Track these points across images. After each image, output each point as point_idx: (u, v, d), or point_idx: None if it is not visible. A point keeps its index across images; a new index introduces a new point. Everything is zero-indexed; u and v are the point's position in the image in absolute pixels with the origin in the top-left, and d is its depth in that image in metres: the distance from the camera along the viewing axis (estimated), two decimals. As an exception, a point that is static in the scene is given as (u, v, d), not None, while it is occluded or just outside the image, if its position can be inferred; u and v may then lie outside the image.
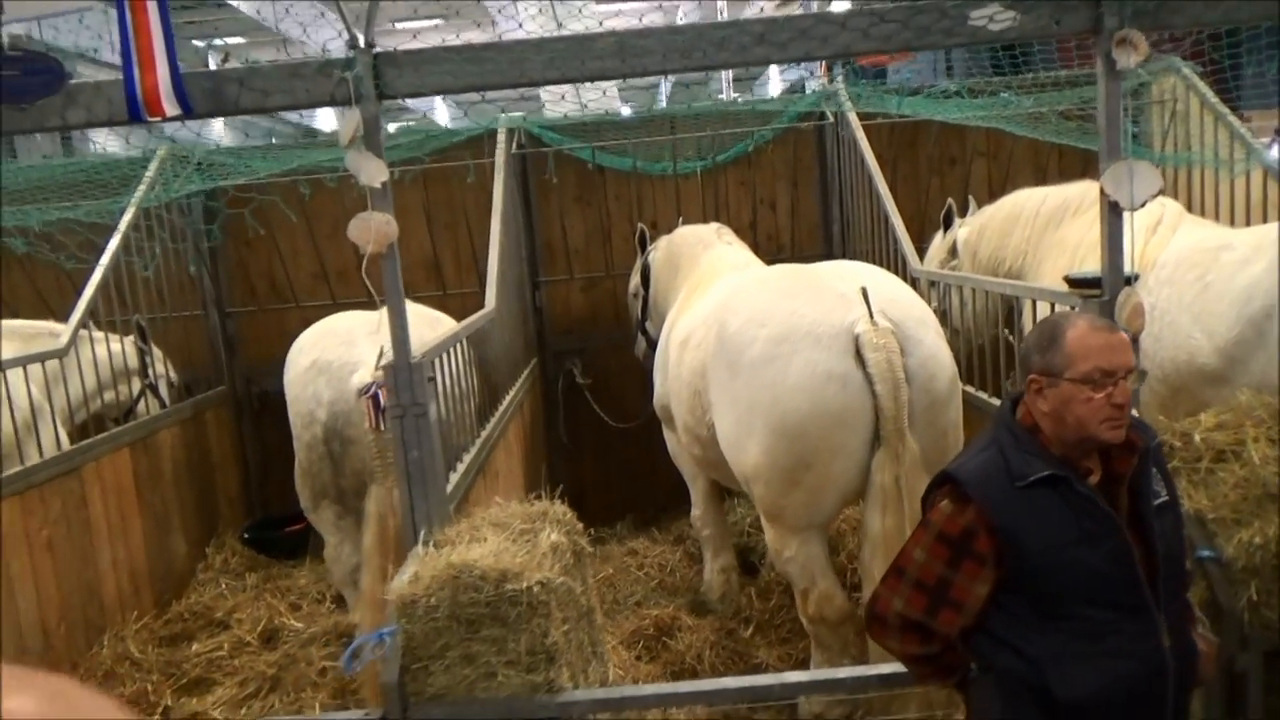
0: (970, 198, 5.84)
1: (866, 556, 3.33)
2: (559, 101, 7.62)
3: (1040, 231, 5.06)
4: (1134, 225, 4.58)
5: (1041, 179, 5.86)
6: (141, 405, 5.54)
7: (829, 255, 6.50)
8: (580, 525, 2.85)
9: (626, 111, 7.66)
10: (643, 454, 6.56)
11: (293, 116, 22.45)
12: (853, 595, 3.83)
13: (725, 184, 6.57)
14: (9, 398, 4.21)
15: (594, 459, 6.69)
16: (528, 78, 2.54)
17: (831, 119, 6.27)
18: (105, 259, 5.22)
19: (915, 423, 3.27)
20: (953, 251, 5.30)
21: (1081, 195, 4.97)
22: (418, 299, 5.79)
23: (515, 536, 2.58)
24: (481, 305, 4.70)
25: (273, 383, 6.48)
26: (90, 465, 4.67)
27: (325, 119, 22.74)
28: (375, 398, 3.55)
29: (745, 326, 3.53)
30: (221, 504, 6.22)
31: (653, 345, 5.83)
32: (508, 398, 4.80)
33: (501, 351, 4.84)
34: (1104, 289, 2.74)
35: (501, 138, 5.96)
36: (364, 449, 3.75)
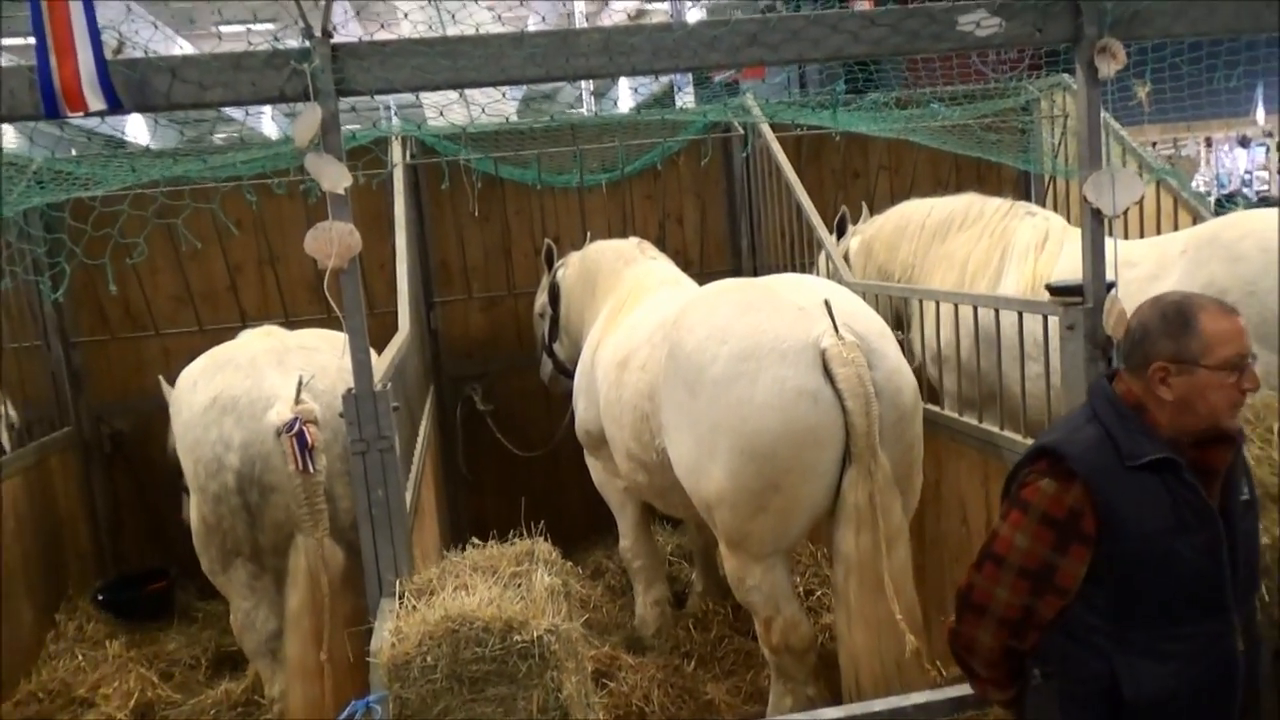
0: (864, 205, 6.07)
1: (840, 578, 3.34)
2: (447, 109, 7.40)
3: (926, 245, 5.30)
4: (1020, 243, 5.02)
5: (941, 192, 6.15)
6: (-24, 452, 4.97)
7: (738, 271, 6.60)
8: (568, 564, 2.72)
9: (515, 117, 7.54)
10: (550, 483, 6.43)
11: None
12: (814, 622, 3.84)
13: (631, 198, 6.58)
14: None
15: (496, 491, 6.49)
16: (506, 75, 2.42)
17: (740, 130, 6.37)
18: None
19: (884, 438, 3.31)
20: (845, 258, 5.48)
21: (965, 208, 5.24)
22: (297, 323, 5.55)
23: (506, 581, 2.44)
24: (379, 329, 4.50)
25: (126, 421, 6.05)
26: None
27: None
28: (300, 436, 3.33)
29: (704, 344, 3.49)
30: (71, 562, 5.66)
31: (562, 368, 5.79)
32: (422, 428, 4.59)
33: (414, 379, 4.63)
34: (1086, 296, 2.85)
35: (396, 146, 5.73)
36: (288, 496, 3.49)
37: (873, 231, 5.67)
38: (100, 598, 5.60)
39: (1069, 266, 4.53)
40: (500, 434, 6.30)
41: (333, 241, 2.56)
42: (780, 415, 3.27)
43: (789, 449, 3.28)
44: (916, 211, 5.43)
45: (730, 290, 3.76)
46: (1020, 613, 2.11)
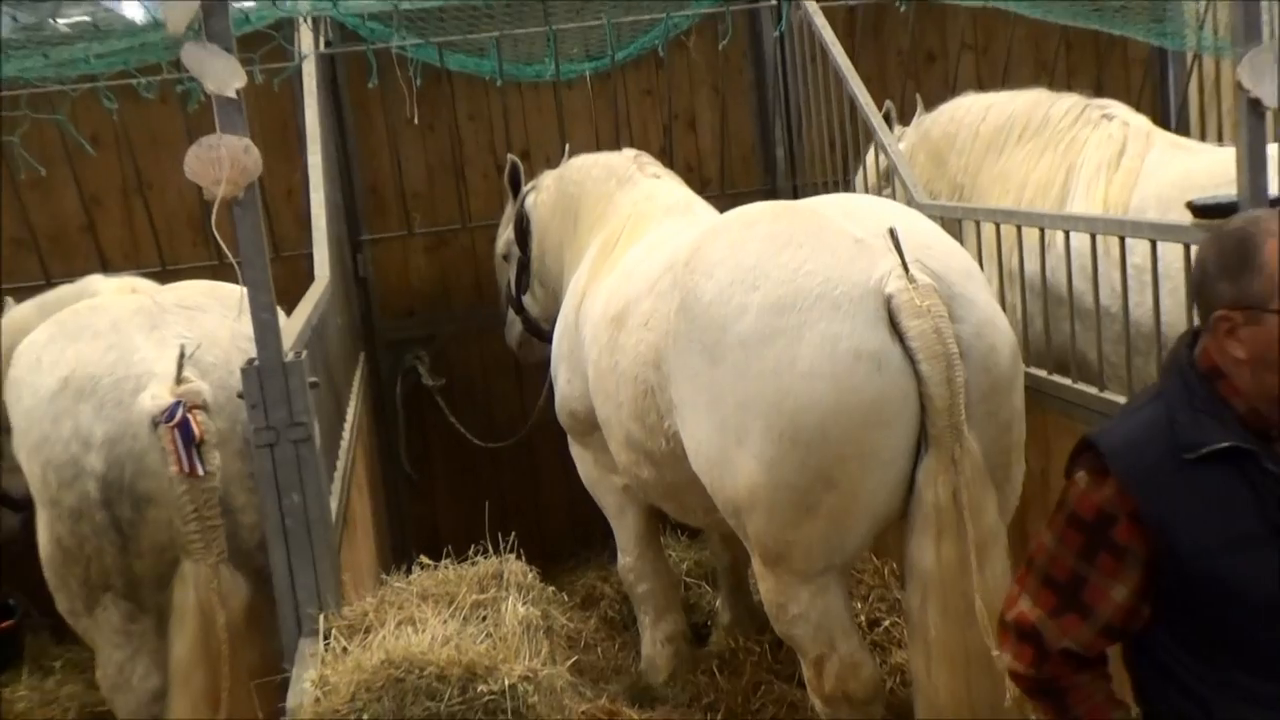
0: (918, 98, 6.06)
1: (916, 603, 3.37)
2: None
3: (979, 159, 5.31)
4: (1089, 160, 4.98)
5: (1045, 80, 6.11)
6: None
7: (771, 192, 6.59)
8: (550, 589, 2.76)
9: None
10: (523, 483, 6.51)
11: None
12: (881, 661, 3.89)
13: (625, 95, 6.57)
14: None
15: (450, 493, 6.58)
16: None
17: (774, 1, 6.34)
18: None
19: (973, 414, 3.32)
20: (887, 177, 5.49)
21: (1028, 112, 5.22)
22: (176, 273, 5.55)
23: (467, 613, 2.48)
24: (288, 279, 4.52)
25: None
26: None
27: None
28: (183, 426, 3.36)
29: (728, 291, 3.50)
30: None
31: (535, 328, 5.82)
32: (350, 412, 4.61)
33: (337, 346, 4.65)
34: (1243, 218, 2.85)
35: (305, 31, 5.70)
36: (170, 509, 3.50)
37: (917, 138, 5.65)
38: (-76, 642, 5.65)
39: (1154, 191, 4.56)
40: (455, 418, 6.30)
41: (222, 162, 2.57)
42: (832, 385, 3.28)
43: (844, 430, 3.30)
44: (969, 114, 5.42)
45: (762, 218, 3.76)
46: (1039, 629, 2.24)
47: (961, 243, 4.31)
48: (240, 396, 2.81)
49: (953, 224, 4.76)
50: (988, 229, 4.90)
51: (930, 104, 5.91)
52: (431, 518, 6.40)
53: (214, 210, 2.65)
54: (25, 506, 4.62)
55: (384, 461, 6.27)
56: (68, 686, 5.53)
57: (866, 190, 5.25)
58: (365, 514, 4.56)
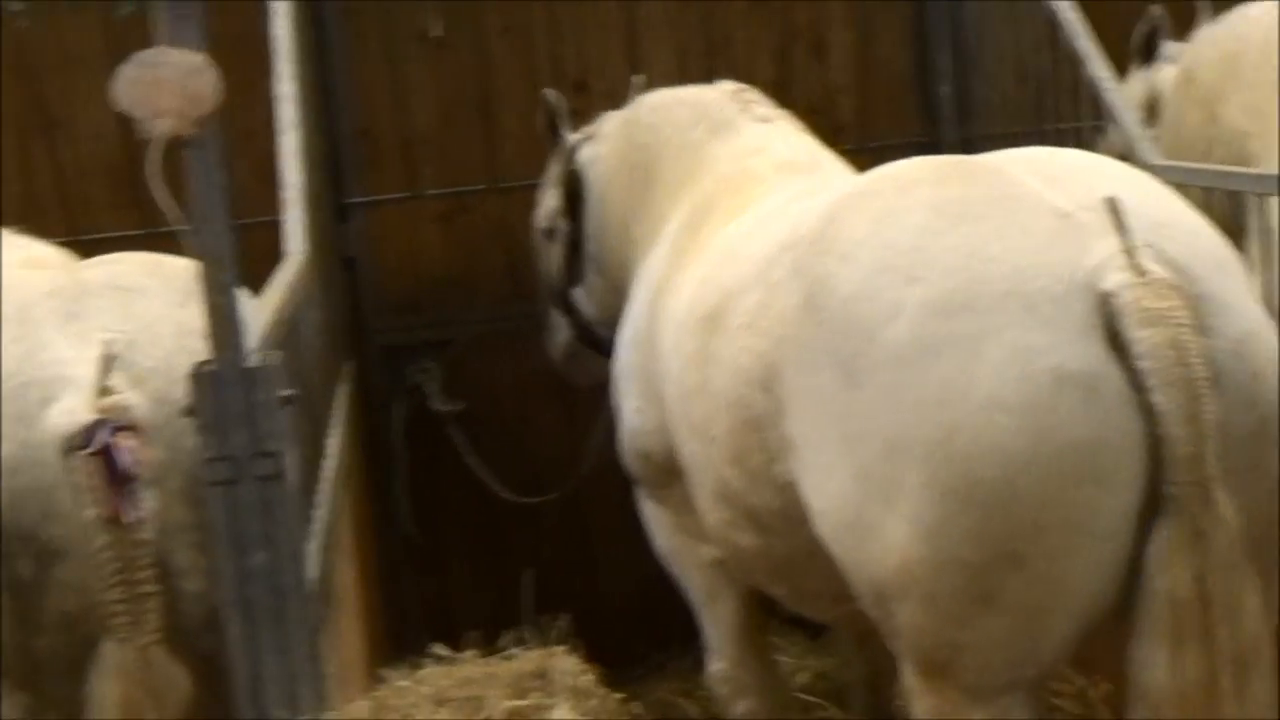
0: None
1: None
2: None
3: (1268, 89, 5.22)
4: None
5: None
6: None
7: (932, 145, 6.58)
8: (615, 696, 2.78)
9: None
10: (569, 554, 6.51)
11: None
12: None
13: (723, 8, 6.59)
14: None
15: (468, 564, 6.68)
16: None
17: None
18: None
19: (1229, 467, 3.30)
20: (1152, 111, 5.43)
21: None
22: (96, 244, 5.63)
23: (500, 726, 2.51)
24: (248, 253, 4.57)
25: None
26: None
27: None
28: (107, 455, 3.41)
29: (875, 283, 3.52)
30: None
31: (589, 334, 5.88)
32: (332, 445, 4.68)
33: (315, 350, 4.73)
34: None
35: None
36: (86, 569, 3.56)
37: (1196, 56, 5.58)
38: None
39: None
40: (476, 459, 6.40)
41: (167, 86, 2.61)
42: (1023, 421, 3.29)
43: (1039, 486, 3.30)
44: (1258, 23, 5.35)
45: (923, 180, 3.78)
46: None
47: (1235, 226, 4.27)
48: (188, 414, 2.85)
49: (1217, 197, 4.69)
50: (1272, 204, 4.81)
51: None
52: (442, 596, 6.48)
53: (150, 154, 2.69)
54: None
55: (377, 516, 6.33)
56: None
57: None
58: (351, 585, 4.60)
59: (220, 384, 2.79)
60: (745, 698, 4.99)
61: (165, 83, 2.61)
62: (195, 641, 3.63)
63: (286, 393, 2.88)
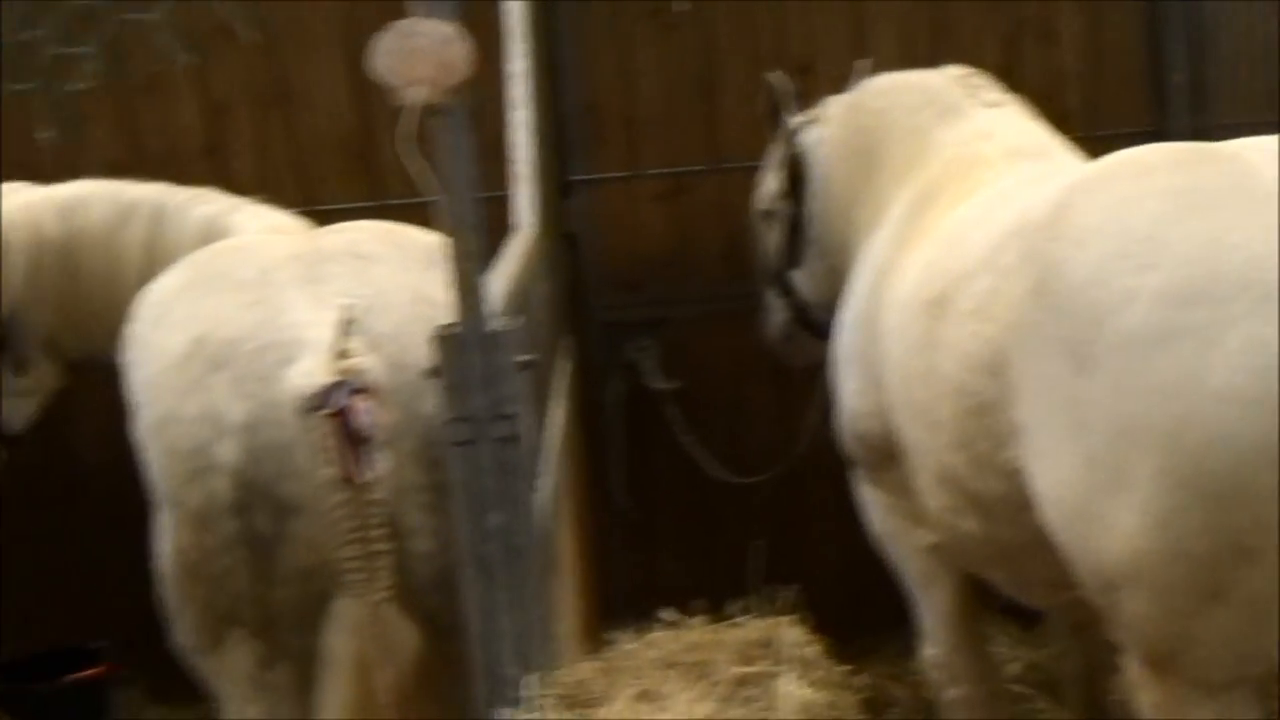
0: None
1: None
2: None
3: None
4: None
5: None
6: None
7: (1162, 133, 6.44)
8: (840, 669, 2.80)
9: None
10: (782, 535, 6.46)
11: None
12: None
13: (952, -12, 6.57)
14: None
15: (677, 539, 6.71)
16: None
17: None
18: None
19: None
20: None
21: None
22: (326, 214, 5.76)
23: (728, 691, 2.54)
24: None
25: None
26: None
27: None
28: (345, 416, 3.50)
29: (1108, 269, 3.48)
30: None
31: (807, 317, 5.86)
32: (554, 416, 4.75)
33: (543, 321, 4.80)
34: None
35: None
36: (322, 526, 3.67)
37: None
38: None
39: None
40: (690, 437, 6.41)
41: (423, 55, 2.67)
42: (1258, 413, 3.22)
43: (1275, 479, 3.22)
44: None
45: (1160, 165, 3.73)
46: None
47: None
48: (431, 374, 2.92)
49: None
50: None
51: None
52: (650, 572, 6.50)
53: (404, 122, 2.76)
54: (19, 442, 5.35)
55: (591, 489, 6.39)
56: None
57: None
58: (570, 553, 4.66)
59: (463, 347, 2.85)
60: (958, 684, 4.96)
61: (420, 52, 2.67)
62: (423, 600, 3.71)
63: (524, 358, 2.92)
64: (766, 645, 2.76)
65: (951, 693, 4.97)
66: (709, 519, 6.58)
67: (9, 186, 5.51)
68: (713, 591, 6.07)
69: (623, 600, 5.75)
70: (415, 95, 2.71)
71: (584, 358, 6.50)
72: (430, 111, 2.76)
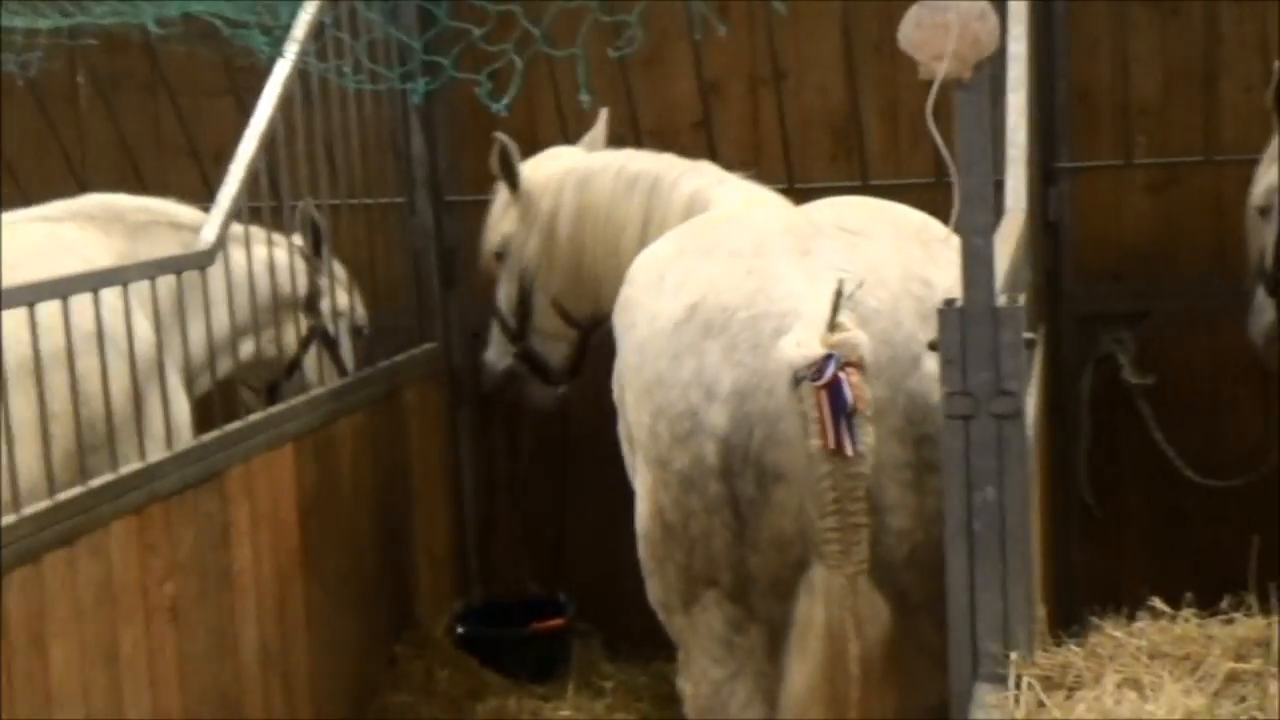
0: None
1: None
2: None
3: None
4: None
5: None
6: (309, 364, 5.97)
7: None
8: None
9: None
10: (1261, 530, 6.22)
11: None
12: None
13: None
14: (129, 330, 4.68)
15: (1142, 539, 6.58)
16: None
17: None
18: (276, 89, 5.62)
19: None
20: None
21: None
22: (807, 191, 5.84)
23: (1219, 685, 2.49)
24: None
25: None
26: (237, 470, 5.04)
27: None
28: (834, 389, 3.56)
29: None
30: (421, 566, 6.59)
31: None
32: (1030, 403, 4.70)
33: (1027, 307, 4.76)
34: None
35: None
36: (803, 495, 3.73)
37: None
38: (460, 632, 6.47)
39: None
40: (1163, 434, 6.27)
41: (949, 29, 2.70)
42: None
43: None
44: None
45: None
46: None
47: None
48: (931, 348, 2.95)
49: None
50: None
51: None
52: (1111, 568, 6.38)
53: (931, 97, 2.79)
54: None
55: (1053, 480, 6.29)
56: (619, 714, 6.09)
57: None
58: (1038, 538, 4.62)
59: (968, 321, 2.85)
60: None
61: (949, 26, 2.68)
62: (895, 577, 3.74)
63: (1029, 335, 2.92)
64: (1262, 645, 2.67)
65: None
66: (1175, 520, 6.43)
67: (553, 151, 5.99)
68: (1176, 590, 5.93)
69: (1079, 593, 5.65)
70: (940, 70, 2.72)
71: (1056, 345, 6.44)
72: (955, 85, 2.78)
